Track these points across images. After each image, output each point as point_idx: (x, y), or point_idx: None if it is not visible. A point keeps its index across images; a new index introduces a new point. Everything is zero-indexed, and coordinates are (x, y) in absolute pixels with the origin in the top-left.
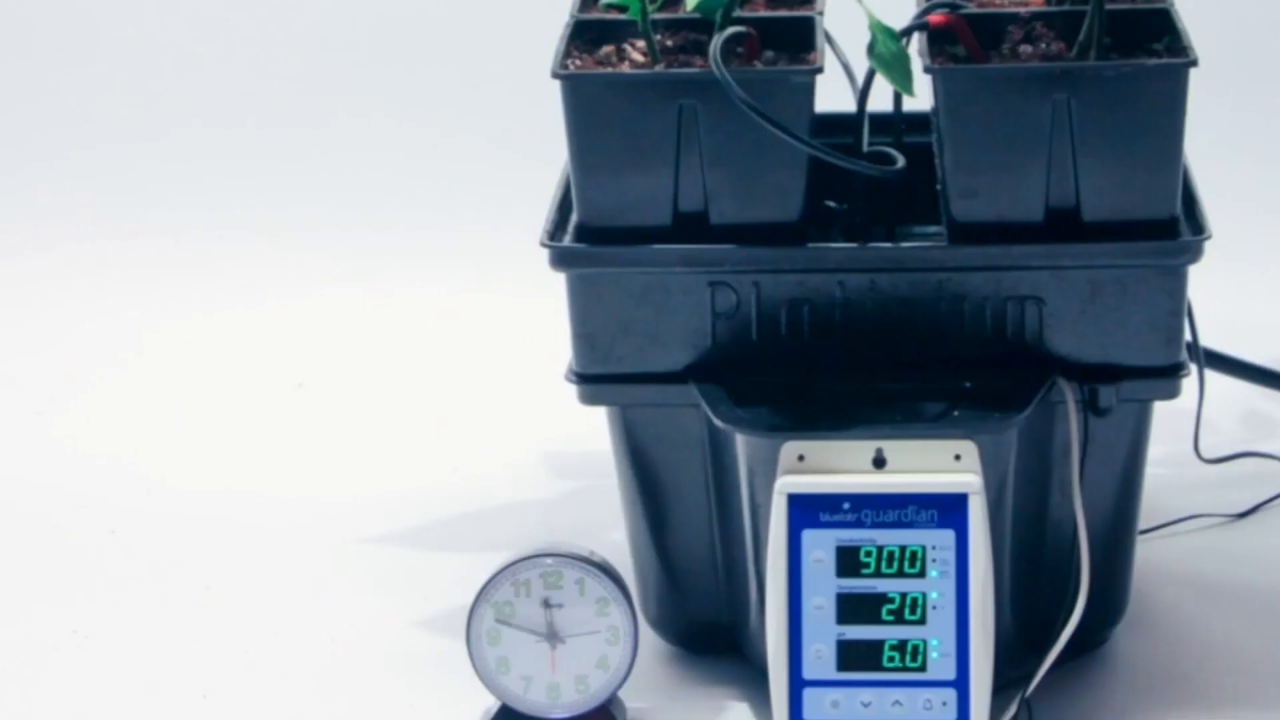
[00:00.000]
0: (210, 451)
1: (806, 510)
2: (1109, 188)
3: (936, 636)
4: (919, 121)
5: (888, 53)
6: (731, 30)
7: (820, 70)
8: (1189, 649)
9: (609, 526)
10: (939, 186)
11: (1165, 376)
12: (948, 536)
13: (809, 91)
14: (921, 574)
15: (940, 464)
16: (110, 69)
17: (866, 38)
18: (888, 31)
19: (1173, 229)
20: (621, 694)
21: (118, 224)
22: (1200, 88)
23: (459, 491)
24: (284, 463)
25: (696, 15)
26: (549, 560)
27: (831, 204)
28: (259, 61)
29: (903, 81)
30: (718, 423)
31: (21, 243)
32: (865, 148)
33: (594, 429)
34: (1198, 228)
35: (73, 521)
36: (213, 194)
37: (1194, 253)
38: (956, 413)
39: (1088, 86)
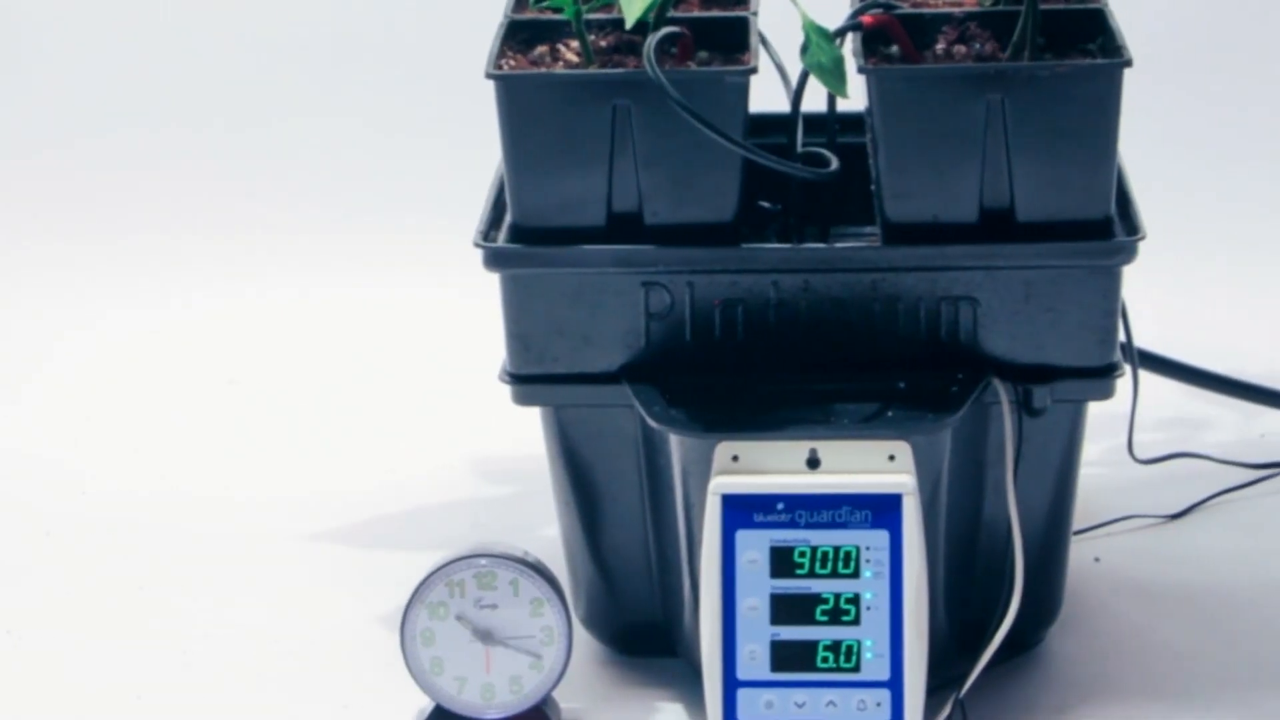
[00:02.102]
0: (143, 450)
1: (740, 511)
2: (1043, 188)
3: (870, 637)
4: (853, 122)
5: (822, 56)
6: (665, 31)
7: (754, 71)
8: (1123, 649)
9: (543, 527)
10: (873, 187)
11: (1099, 377)
12: (882, 537)
13: (743, 92)
14: (855, 575)
15: (874, 464)
16: (40, 69)
17: (801, 38)
18: (822, 32)
19: (1107, 229)
20: (555, 694)
21: (50, 223)
22: (1134, 88)
23: (393, 491)
24: (218, 462)
25: None
26: (483, 561)
27: (765, 204)
28: (192, 62)
29: (836, 83)
30: (652, 423)
31: None
32: (799, 148)
33: (528, 429)
34: (1132, 228)
35: (7, 522)
36: (145, 193)
37: (1128, 253)
38: (890, 413)
39: (1022, 87)
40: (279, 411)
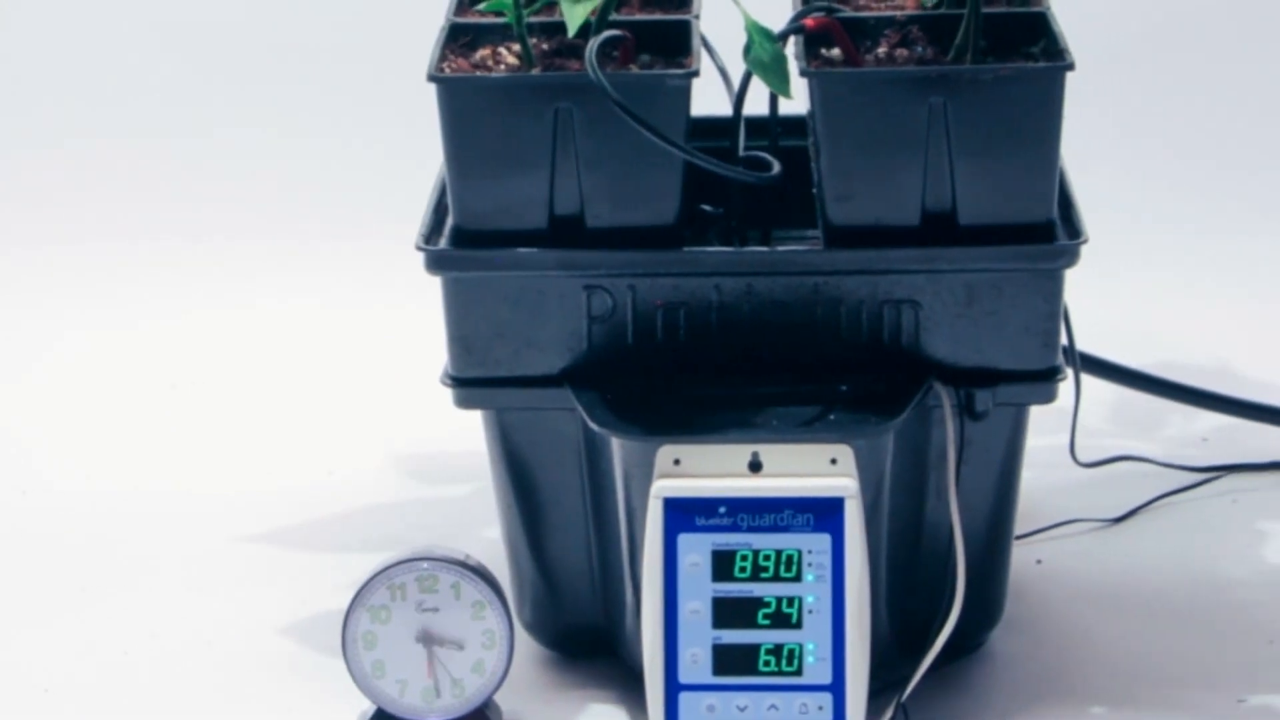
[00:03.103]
0: (85, 453)
1: (682, 514)
2: (985, 191)
3: (812, 641)
4: (795, 125)
5: (764, 55)
6: (607, 34)
7: (696, 74)
8: (1065, 652)
9: (485, 528)
10: (815, 190)
11: (1041, 380)
12: (824, 541)
13: (685, 95)
14: (797, 578)
15: (816, 468)
16: None
17: (743, 41)
18: (764, 32)
19: (1049, 233)
20: (497, 698)
21: None
22: (1077, 92)
23: (335, 494)
24: (159, 464)
25: None
26: (425, 564)
27: (707, 208)
28: (133, 69)
29: (779, 84)
30: (593, 427)
31: None
32: (741, 152)
33: (470, 432)
34: (1074, 231)
35: None
36: (84, 200)
37: (1070, 256)
38: (832, 416)
39: (964, 90)
40: (221, 415)
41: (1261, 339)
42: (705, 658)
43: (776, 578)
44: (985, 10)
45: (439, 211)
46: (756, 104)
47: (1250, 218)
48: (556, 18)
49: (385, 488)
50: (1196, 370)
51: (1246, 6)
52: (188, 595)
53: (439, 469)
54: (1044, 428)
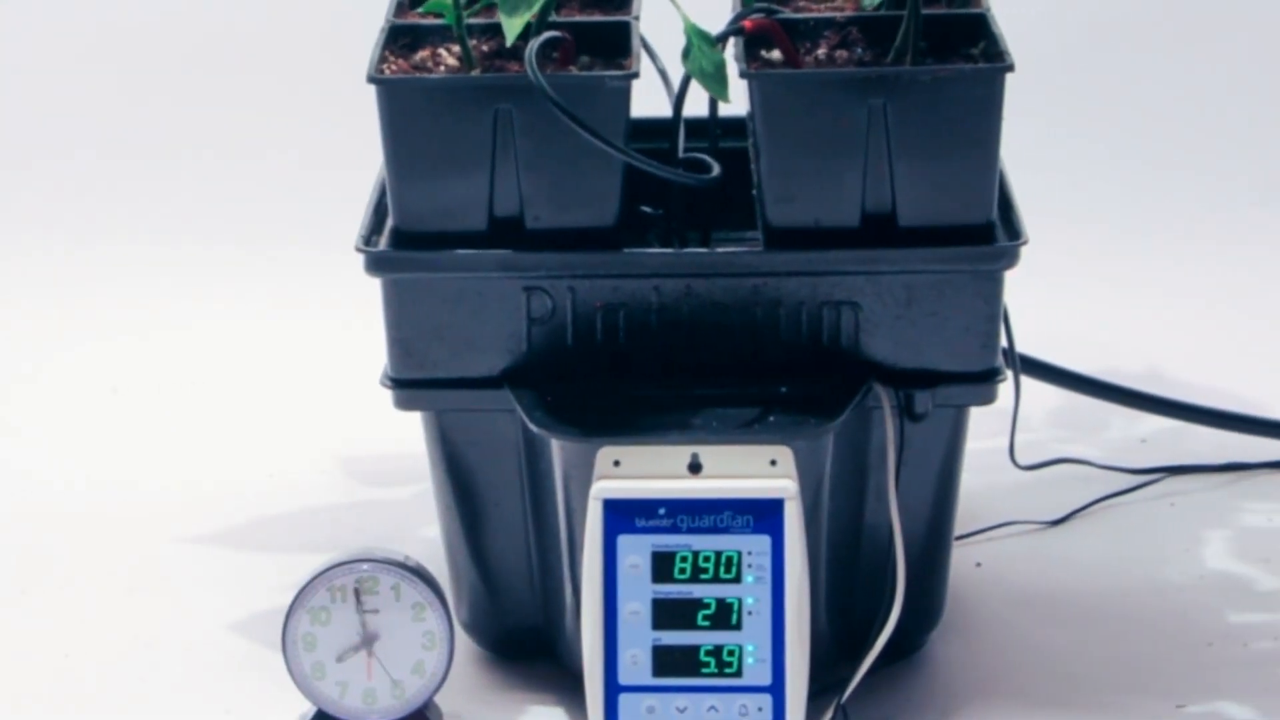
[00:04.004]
0: (26, 455)
1: (622, 516)
2: (925, 193)
3: (752, 642)
4: (735, 126)
5: (703, 58)
6: (547, 35)
7: (636, 75)
8: (1004, 654)
9: (425, 528)
10: (755, 191)
11: (981, 382)
12: (763, 542)
13: (625, 96)
14: (737, 579)
15: (756, 469)
16: None
17: (683, 42)
18: (703, 36)
19: (989, 234)
20: (437, 699)
21: None
22: (1017, 93)
23: (274, 495)
24: (100, 466)
25: None
26: (365, 565)
27: (647, 209)
28: (66, 67)
29: (718, 87)
30: (533, 428)
31: None
32: (681, 153)
33: (410, 432)
34: (1014, 233)
35: None
36: (26, 200)
37: (1010, 258)
38: (772, 418)
39: (904, 91)
40: (161, 417)
41: (1200, 341)
42: (645, 659)
43: (716, 579)
44: (925, 12)
45: (379, 213)
46: (696, 105)
47: (1190, 220)
48: (496, 19)
49: (325, 489)
50: (1136, 372)
51: (1187, 7)
52: (129, 597)
53: (379, 470)
54: (984, 429)
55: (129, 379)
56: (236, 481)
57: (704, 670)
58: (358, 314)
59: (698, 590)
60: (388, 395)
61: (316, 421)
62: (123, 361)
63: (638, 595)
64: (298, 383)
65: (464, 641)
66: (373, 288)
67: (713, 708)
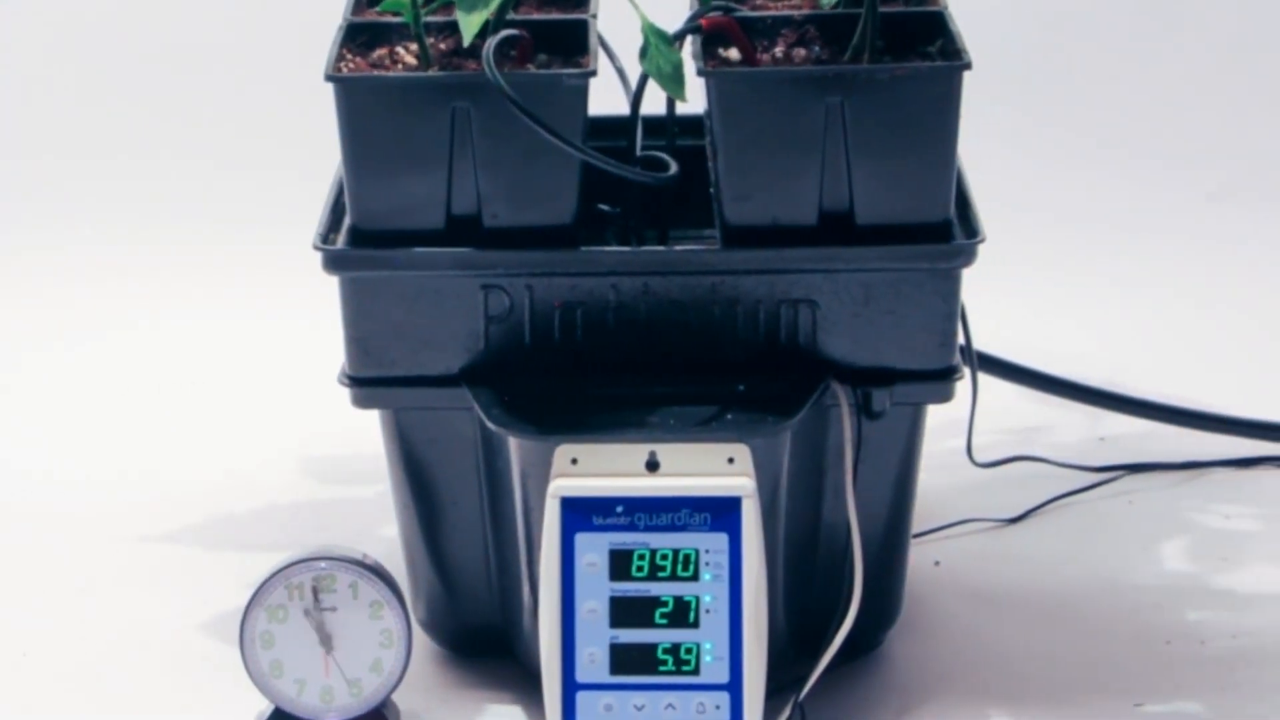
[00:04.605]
0: None
1: (579, 514)
2: (882, 191)
3: (710, 640)
4: (693, 124)
5: (661, 58)
6: (505, 33)
7: (593, 73)
8: (962, 652)
9: (383, 527)
10: (712, 190)
11: (939, 380)
12: (721, 540)
13: (582, 95)
14: (695, 577)
15: (713, 467)
16: None
17: (640, 40)
18: (661, 36)
19: (946, 232)
20: (395, 697)
21: None
22: (974, 91)
23: (233, 493)
24: (59, 465)
25: None
26: (322, 564)
27: (605, 207)
28: (32, 64)
29: (676, 88)
30: (491, 426)
31: None
32: (639, 152)
33: (369, 432)
34: (971, 231)
35: None
36: None
37: (967, 256)
38: (730, 416)
39: (861, 90)
40: (120, 415)
41: (1158, 338)
42: (603, 657)
43: (674, 577)
44: (882, 10)
45: (336, 211)
46: (654, 104)
47: (1149, 217)
48: (454, 17)
49: (283, 487)
50: (1094, 370)
51: (1143, 6)
52: (86, 595)
53: (338, 470)
54: (941, 427)
55: (87, 378)
56: (195, 480)
57: (662, 668)
58: (316, 313)
59: (655, 588)
60: (346, 394)
61: (276, 420)
62: (81, 360)
63: (595, 593)
64: (257, 382)
65: (422, 640)
66: (331, 286)
67: (670, 706)
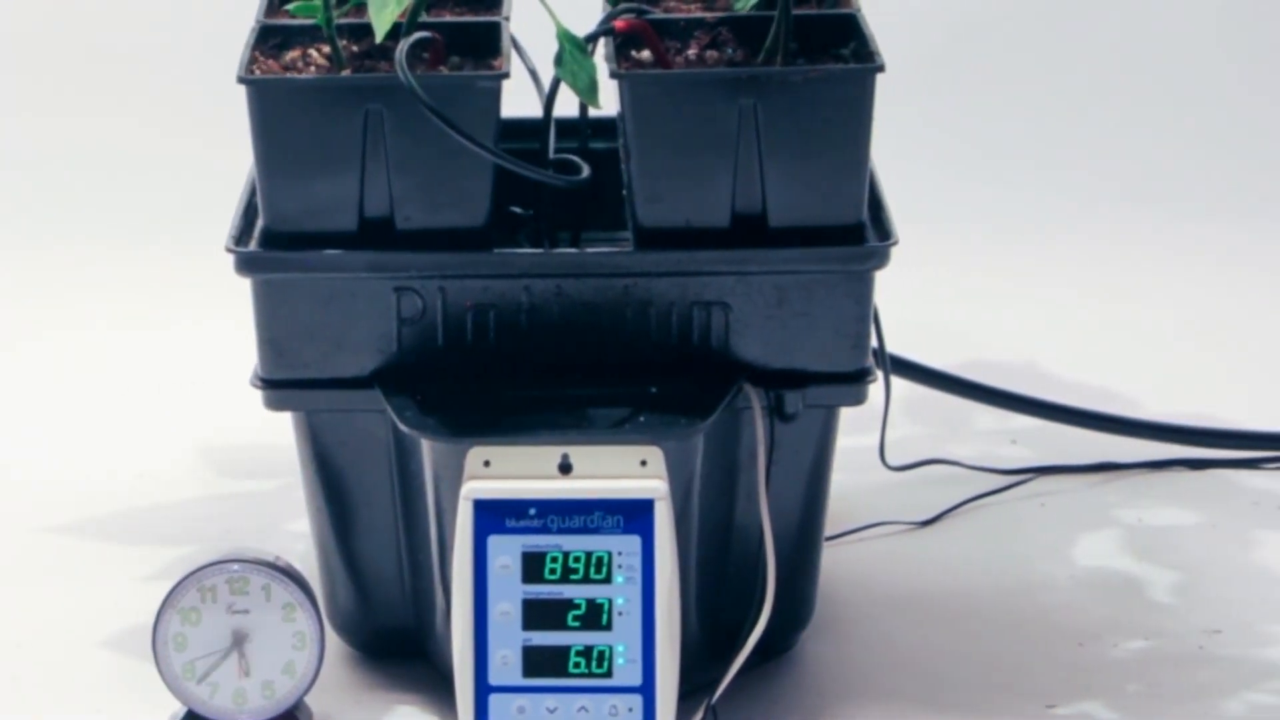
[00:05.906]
0: None
1: (492, 516)
2: (795, 193)
3: (623, 642)
4: (606, 126)
5: (575, 64)
6: (417, 35)
7: (506, 76)
8: (875, 654)
9: (293, 524)
10: (625, 192)
11: (851, 382)
12: (634, 542)
13: (495, 97)
14: (607, 580)
15: (626, 469)
16: None
17: (554, 42)
18: (575, 43)
19: (859, 234)
20: (308, 699)
21: None
22: (887, 93)
23: (144, 493)
24: None
25: None
26: (235, 566)
27: (517, 209)
28: None
29: (590, 95)
30: (403, 428)
31: None
32: (551, 154)
33: (280, 430)
34: (884, 233)
35: None
36: None
37: (880, 258)
38: (642, 418)
39: (774, 92)
40: (28, 411)
41: (1069, 340)
42: (515, 659)
43: (586, 579)
44: (795, 12)
45: (249, 213)
46: (567, 106)
47: (1060, 218)
48: (366, 20)
49: (194, 487)
50: (1005, 372)
51: (1054, 7)
52: None
53: (250, 469)
54: (854, 429)
55: None
56: (105, 479)
57: (574, 670)
58: (229, 314)
59: (568, 590)
60: (258, 395)
61: (188, 419)
62: None
63: (508, 595)
64: (168, 382)
65: (334, 641)
66: (244, 288)
67: (583, 708)
